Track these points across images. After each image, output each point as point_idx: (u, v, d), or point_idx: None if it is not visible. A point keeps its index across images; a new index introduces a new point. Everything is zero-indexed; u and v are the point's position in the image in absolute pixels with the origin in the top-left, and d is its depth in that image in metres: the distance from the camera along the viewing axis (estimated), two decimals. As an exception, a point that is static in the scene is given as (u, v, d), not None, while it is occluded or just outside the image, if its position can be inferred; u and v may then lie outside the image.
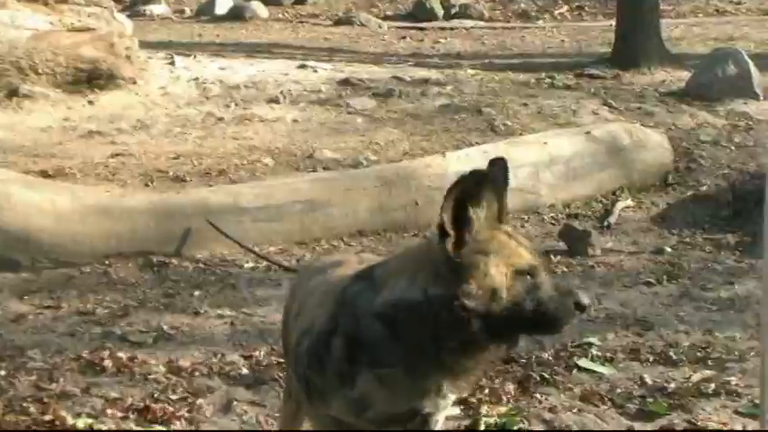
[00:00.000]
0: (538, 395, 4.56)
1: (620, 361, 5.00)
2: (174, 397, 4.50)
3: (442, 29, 17.16)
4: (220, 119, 10.20)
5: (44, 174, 8.03)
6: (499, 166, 2.84)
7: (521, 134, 9.31)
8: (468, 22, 17.61)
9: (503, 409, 4.35)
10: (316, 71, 12.04)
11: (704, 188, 8.41)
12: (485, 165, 2.82)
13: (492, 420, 4.23)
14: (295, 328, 3.13)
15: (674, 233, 7.55)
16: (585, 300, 2.76)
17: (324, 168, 8.43)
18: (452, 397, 2.92)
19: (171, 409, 4.34)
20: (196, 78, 11.37)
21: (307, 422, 3.44)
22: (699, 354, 5.10)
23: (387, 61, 13.49)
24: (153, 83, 11.06)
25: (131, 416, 4.27)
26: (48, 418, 4.18)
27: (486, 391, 4.56)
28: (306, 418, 3.40)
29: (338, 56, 13.87)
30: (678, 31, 15.55)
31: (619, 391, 4.64)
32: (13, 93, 10.17)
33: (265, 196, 7.06)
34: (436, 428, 2.99)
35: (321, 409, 2.96)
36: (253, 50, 14.08)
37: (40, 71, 10.27)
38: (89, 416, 4.25)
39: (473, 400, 4.43)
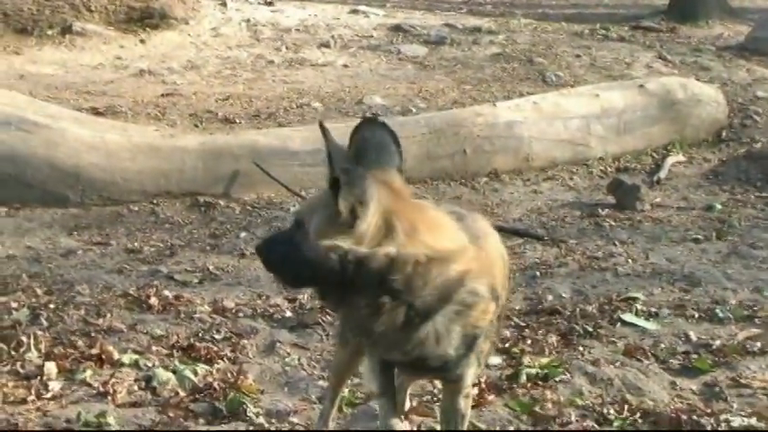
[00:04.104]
0: (581, 348, 4.54)
1: (664, 317, 4.96)
2: (218, 337, 4.55)
3: (497, -24, 16.97)
4: (271, 62, 10.20)
5: (95, 111, 8.10)
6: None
7: (572, 85, 9.20)
8: (523, -29, 17.39)
9: (545, 361, 4.33)
10: (367, 16, 11.98)
11: (758, 145, 8.27)
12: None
13: (534, 371, 4.22)
14: None
15: (726, 190, 7.45)
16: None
17: (373, 114, 8.40)
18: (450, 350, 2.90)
19: (215, 348, 4.39)
20: (247, 20, 11.36)
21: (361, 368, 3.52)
22: (746, 312, 5.04)
23: (439, 8, 13.37)
24: (204, 24, 11.07)
25: (176, 353, 4.32)
26: (95, 351, 4.24)
27: (529, 341, 4.55)
28: (358, 365, 3.48)
29: (390, 1, 13.77)
30: (738, -15, 15.24)
31: (663, 346, 4.60)
32: (66, 30, 10.24)
33: (314, 140, 7.03)
34: (466, 382, 3.04)
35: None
36: (305, -6, 14.02)
37: (93, 9, 10.32)
38: (135, 352, 4.30)
39: (516, 350, 4.44)
